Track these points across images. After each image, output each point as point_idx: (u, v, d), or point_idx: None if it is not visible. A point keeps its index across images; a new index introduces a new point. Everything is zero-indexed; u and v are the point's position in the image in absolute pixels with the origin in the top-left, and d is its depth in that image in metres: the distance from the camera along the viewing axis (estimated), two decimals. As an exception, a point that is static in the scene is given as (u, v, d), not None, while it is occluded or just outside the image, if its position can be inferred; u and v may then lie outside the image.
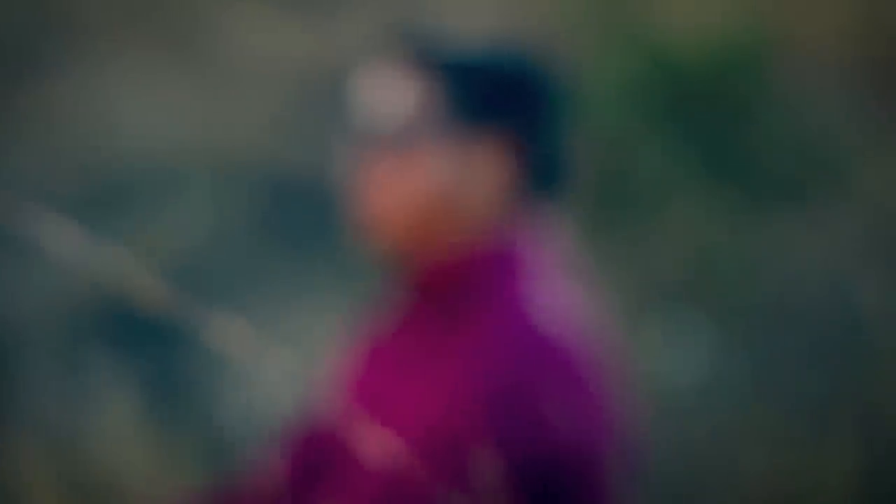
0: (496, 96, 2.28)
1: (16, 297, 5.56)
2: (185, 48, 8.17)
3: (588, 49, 3.08)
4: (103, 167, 6.56)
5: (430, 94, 2.23)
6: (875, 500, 2.58)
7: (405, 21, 7.91)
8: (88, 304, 5.59)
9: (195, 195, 6.38)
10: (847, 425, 2.59)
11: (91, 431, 2.95)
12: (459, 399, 2.07)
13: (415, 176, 2.21)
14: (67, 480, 2.99)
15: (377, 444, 2.17)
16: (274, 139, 6.91)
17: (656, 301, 2.90)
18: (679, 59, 2.98)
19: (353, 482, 2.15)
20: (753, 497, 2.59)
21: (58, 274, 5.67)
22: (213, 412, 3.80)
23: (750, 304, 2.98)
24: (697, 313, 3.00)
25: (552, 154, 2.28)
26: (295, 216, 6.27)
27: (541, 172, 2.28)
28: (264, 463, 2.37)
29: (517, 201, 2.29)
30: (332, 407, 2.37)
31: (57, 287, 5.64)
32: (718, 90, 3.01)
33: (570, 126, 2.29)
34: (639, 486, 2.27)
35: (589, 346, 2.12)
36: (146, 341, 5.30)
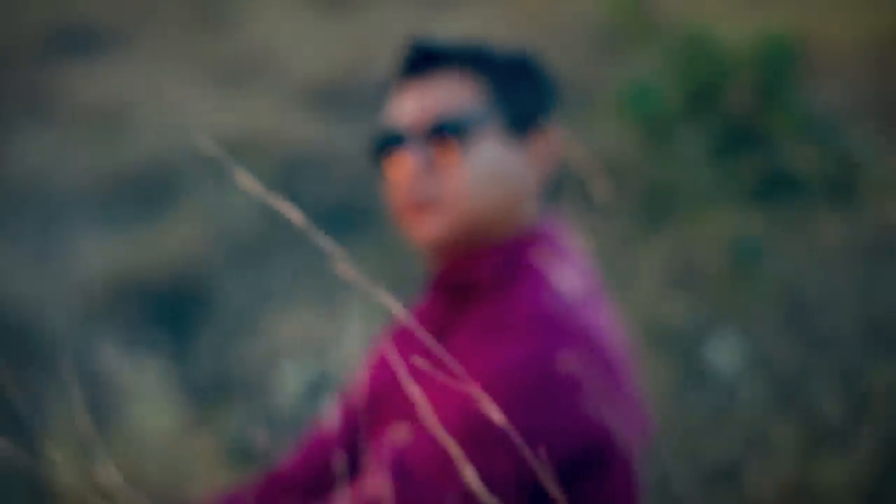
0: (537, 97, 2.31)
1: (54, 282, 5.60)
2: (226, 46, 8.22)
3: (631, 48, 3.10)
4: (150, 157, 6.61)
5: (478, 95, 2.25)
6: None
7: (427, 22, 7.95)
8: (124, 287, 5.63)
9: (234, 185, 6.39)
10: (869, 442, 2.59)
11: (126, 422, 2.97)
12: (487, 389, 2.06)
13: (463, 174, 2.22)
14: (100, 472, 3.00)
15: (399, 435, 2.18)
16: (312, 130, 6.93)
17: (686, 301, 2.90)
18: (721, 59, 2.99)
19: (375, 469, 2.16)
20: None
21: (97, 258, 5.71)
22: (252, 400, 3.83)
23: (779, 311, 2.98)
24: (727, 316, 3.00)
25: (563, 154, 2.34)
26: (334, 206, 6.30)
27: (558, 170, 2.33)
28: (296, 450, 2.39)
29: (546, 196, 2.33)
30: (360, 395, 2.39)
31: (95, 270, 5.68)
32: (755, 89, 3.02)
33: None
34: (651, 488, 2.27)
35: (615, 341, 2.14)
36: (188, 327, 5.33)
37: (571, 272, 2.21)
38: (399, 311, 2.30)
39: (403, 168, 2.23)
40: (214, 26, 8.56)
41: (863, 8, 7.85)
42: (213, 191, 6.32)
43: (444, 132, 2.21)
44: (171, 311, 5.48)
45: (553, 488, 2.04)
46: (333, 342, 3.83)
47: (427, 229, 2.23)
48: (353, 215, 6.29)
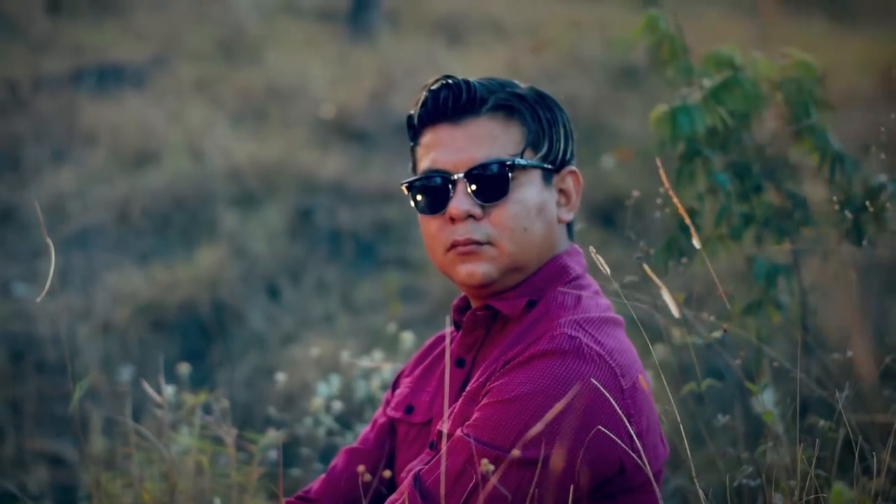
0: (565, 137, 2.36)
1: (77, 312, 5.64)
2: (246, 79, 8.27)
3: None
4: (172, 189, 6.65)
5: (517, 137, 2.30)
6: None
7: (442, 57, 7.98)
8: (146, 316, 5.66)
9: (268, 209, 6.44)
10: (884, 470, 2.60)
11: (157, 451, 3.00)
12: (513, 413, 2.09)
13: (509, 215, 2.26)
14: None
15: (423, 458, 2.22)
16: (331, 160, 6.97)
17: (707, 327, 2.93)
18: (755, 87, 3.02)
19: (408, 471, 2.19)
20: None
21: (120, 287, 5.75)
22: (282, 426, 3.86)
23: (797, 338, 3.00)
24: (746, 341, 3.01)
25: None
26: (353, 234, 6.33)
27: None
28: (326, 474, 2.43)
29: (569, 229, 2.38)
30: (389, 417, 2.43)
31: (118, 300, 5.71)
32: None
33: None
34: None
35: (631, 366, 2.18)
36: (212, 354, 5.37)
37: (589, 300, 2.25)
38: (427, 340, 2.33)
39: (450, 210, 2.25)
40: (235, 60, 8.63)
41: (871, 44, 7.89)
42: (235, 221, 6.36)
43: (491, 174, 2.25)
44: (196, 339, 5.52)
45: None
46: (361, 368, 3.87)
47: (474, 272, 2.26)
48: (371, 243, 6.32)
